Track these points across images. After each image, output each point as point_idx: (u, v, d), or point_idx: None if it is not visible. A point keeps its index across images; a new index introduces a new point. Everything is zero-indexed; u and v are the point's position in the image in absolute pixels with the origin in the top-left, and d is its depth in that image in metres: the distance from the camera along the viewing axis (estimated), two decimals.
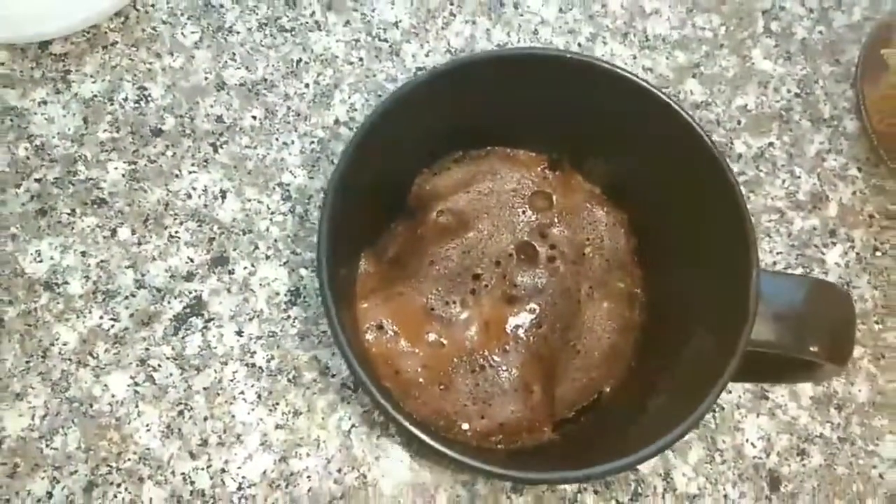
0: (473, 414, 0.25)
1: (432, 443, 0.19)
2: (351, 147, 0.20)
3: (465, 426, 0.24)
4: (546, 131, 0.25)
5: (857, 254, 0.35)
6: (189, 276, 0.32)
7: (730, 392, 0.33)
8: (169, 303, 0.31)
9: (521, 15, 0.36)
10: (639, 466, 0.31)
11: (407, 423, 0.19)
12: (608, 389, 0.26)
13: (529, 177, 0.26)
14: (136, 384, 0.30)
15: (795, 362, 0.21)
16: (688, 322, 0.23)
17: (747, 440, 0.32)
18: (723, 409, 0.32)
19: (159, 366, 0.31)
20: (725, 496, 0.31)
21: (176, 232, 0.32)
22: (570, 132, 0.24)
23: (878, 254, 0.35)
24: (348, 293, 0.26)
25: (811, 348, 0.19)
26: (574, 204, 0.26)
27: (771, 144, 0.36)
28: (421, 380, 0.25)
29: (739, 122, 0.36)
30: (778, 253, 0.34)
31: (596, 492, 0.31)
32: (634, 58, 0.36)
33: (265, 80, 0.35)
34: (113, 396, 0.30)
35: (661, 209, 0.24)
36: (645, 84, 0.21)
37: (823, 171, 0.36)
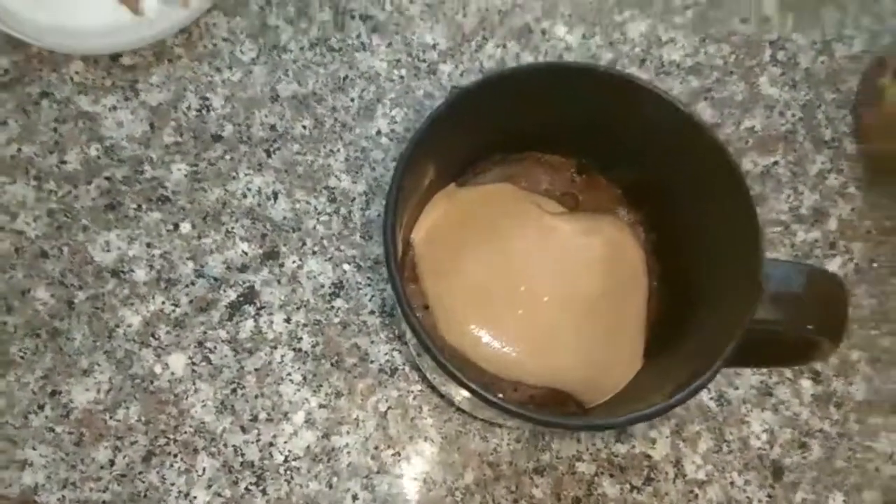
0: (507, 387, 0.28)
1: (489, 397, 0.21)
2: (412, 142, 0.23)
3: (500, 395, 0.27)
4: (577, 138, 0.28)
5: (856, 264, 0.38)
6: (243, 268, 0.35)
7: (737, 388, 0.35)
8: (225, 291, 0.34)
9: (548, 41, 0.40)
10: (651, 454, 0.34)
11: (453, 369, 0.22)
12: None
13: (559, 179, 0.30)
14: (194, 364, 0.33)
15: (795, 343, 0.24)
16: (698, 306, 0.26)
17: (752, 433, 0.35)
18: (730, 403, 0.35)
19: (215, 348, 0.34)
20: (731, 483, 0.34)
21: (232, 228, 0.35)
22: (599, 140, 0.27)
23: (875, 265, 0.38)
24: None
25: (808, 326, 0.22)
26: (597, 203, 0.30)
27: (776, 163, 0.39)
28: (460, 348, 0.28)
29: (747, 143, 0.39)
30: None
31: (612, 475, 0.34)
32: (651, 82, 0.39)
33: (315, 93, 0.38)
34: (172, 374, 0.33)
35: (677, 207, 0.27)
36: (671, 99, 0.24)
37: (825, 189, 0.39)
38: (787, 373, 0.36)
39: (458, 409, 0.34)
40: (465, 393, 0.28)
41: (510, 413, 0.21)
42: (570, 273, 0.28)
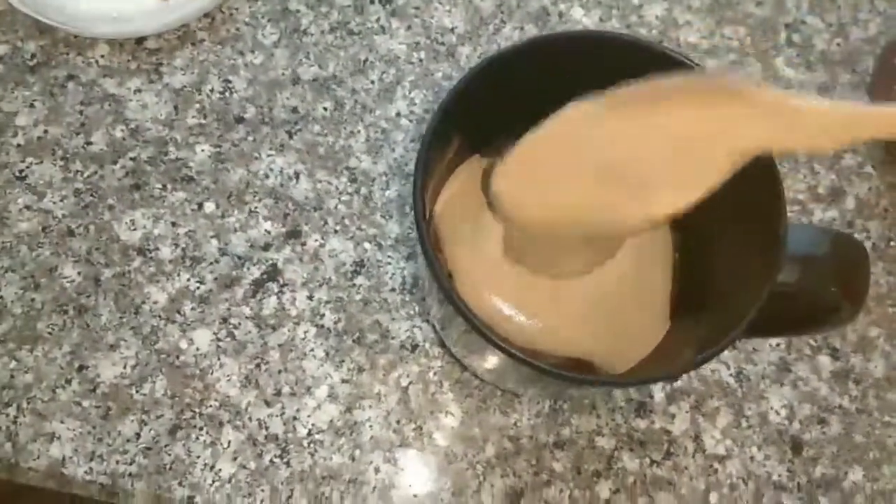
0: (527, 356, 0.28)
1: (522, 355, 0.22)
2: (446, 101, 0.23)
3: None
4: None
5: (873, 244, 0.38)
6: (266, 247, 0.35)
7: (755, 364, 0.35)
8: (248, 269, 0.35)
9: (565, 23, 0.40)
10: (671, 428, 0.34)
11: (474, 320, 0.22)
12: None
13: None
14: (219, 339, 0.34)
15: (815, 308, 0.25)
16: (720, 271, 0.26)
17: (771, 408, 0.35)
18: (749, 379, 0.35)
19: (239, 324, 0.34)
20: (751, 458, 0.34)
21: (255, 207, 0.36)
22: None
23: (892, 243, 0.38)
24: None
25: (832, 288, 0.23)
26: None
27: None
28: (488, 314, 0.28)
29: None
30: None
31: (631, 449, 0.34)
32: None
33: (335, 76, 0.39)
34: (197, 350, 0.34)
35: None
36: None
37: (841, 169, 0.39)
38: (806, 349, 0.36)
39: (480, 382, 0.34)
40: (492, 363, 0.28)
41: (545, 373, 0.21)
42: None
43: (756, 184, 0.24)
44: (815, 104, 0.19)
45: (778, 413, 0.35)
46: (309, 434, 0.33)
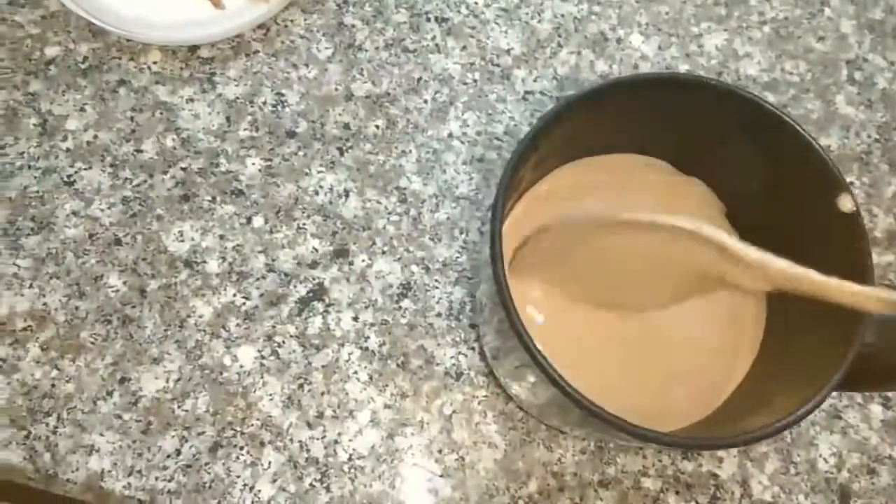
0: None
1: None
2: (527, 138, 0.23)
3: None
4: (664, 140, 0.28)
5: None
6: (313, 265, 0.35)
7: None
8: (294, 287, 0.34)
9: (623, 50, 0.40)
10: (718, 472, 0.33)
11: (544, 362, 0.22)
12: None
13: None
14: (263, 357, 0.33)
15: (889, 368, 0.24)
16: (797, 330, 0.25)
17: (820, 455, 0.34)
18: (799, 425, 0.34)
19: (283, 342, 0.34)
20: None
21: (304, 224, 0.35)
22: (683, 141, 0.27)
23: None
24: None
25: None
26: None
27: (851, 184, 0.38)
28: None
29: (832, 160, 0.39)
30: None
31: (677, 492, 0.33)
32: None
33: (388, 94, 0.38)
34: (241, 367, 0.33)
35: (774, 227, 0.26)
36: (776, 110, 0.24)
37: None
38: (858, 397, 0.35)
39: (525, 414, 0.33)
40: (542, 399, 0.28)
41: (610, 423, 0.21)
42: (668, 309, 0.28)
43: (837, 241, 0.23)
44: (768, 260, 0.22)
45: (827, 461, 0.34)
46: (350, 459, 0.32)
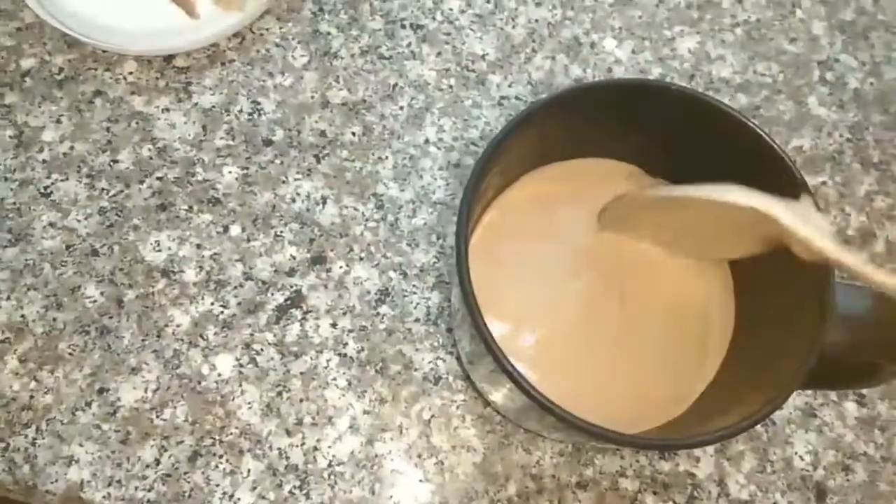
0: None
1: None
2: (489, 148, 0.23)
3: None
4: (630, 144, 0.28)
5: None
6: (291, 272, 0.35)
7: (781, 409, 0.35)
8: (272, 294, 0.35)
9: (597, 54, 0.40)
10: (695, 472, 0.34)
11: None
12: None
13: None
14: (241, 365, 0.33)
15: (855, 367, 0.24)
16: (762, 328, 0.26)
17: (796, 453, 0.34)
18: (774, 423, 0.35)
19: (262, 350, 0.34)
20: (775, 503, 0.34)
21: (281, 232, 0.36)
22: (651, 144, 0.28)
23: None
24: None
25: (873, 350, 0.22)
26: None
27: (824, 183, 0.39)
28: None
29: (794, 162, 0.39)
30: None
31: (655, 492, 0.33)
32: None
33: (364, 101, 0.38)
34: (219, 375, 0.33)
35: None
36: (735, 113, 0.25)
37: (872, 211, 0.39)
38: (832, 395, 0.35)
39: (503, 418, 0.33)
40: (517, 403, 0.28)
41: (584, 431, 0.21)
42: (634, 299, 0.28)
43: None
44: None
45: (802, 459, 0.34)
46: (329, 465, 0.32)
